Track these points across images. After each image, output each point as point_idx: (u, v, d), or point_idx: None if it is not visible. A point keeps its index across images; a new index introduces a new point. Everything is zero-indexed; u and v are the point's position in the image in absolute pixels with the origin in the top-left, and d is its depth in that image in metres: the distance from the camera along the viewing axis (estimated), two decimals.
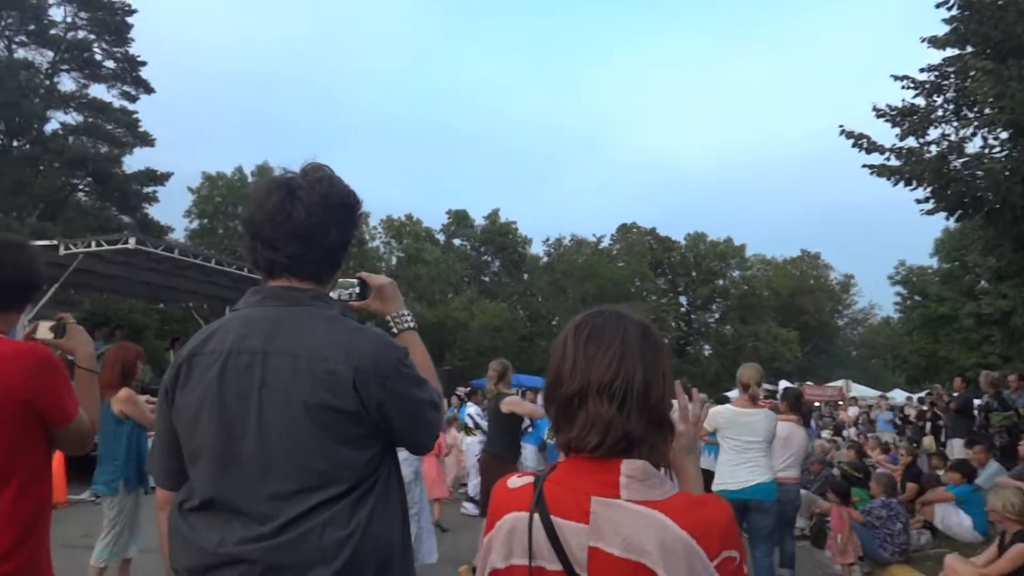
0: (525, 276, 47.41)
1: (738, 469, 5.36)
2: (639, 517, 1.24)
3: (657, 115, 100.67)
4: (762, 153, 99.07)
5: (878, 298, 67.47)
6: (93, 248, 11.02)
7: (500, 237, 46.79)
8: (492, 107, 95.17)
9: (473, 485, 9.68)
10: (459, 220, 47.17)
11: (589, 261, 46.18)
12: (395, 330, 1.93)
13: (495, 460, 6.46)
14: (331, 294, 1.82)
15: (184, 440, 1.64)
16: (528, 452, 9.63)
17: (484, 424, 9.06)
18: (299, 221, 1.64)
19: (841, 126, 9.33)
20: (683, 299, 52.03)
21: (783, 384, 31.73)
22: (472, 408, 11.16)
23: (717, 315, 51.89)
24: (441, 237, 47.03)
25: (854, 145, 9.17)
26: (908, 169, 8.78)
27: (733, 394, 10.39)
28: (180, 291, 16.43)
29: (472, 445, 10.19)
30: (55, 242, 11.39)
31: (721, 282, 50.81)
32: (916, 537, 7.40)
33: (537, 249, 49.30)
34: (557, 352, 1.41)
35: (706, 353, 50.02)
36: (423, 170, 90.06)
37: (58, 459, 9.68)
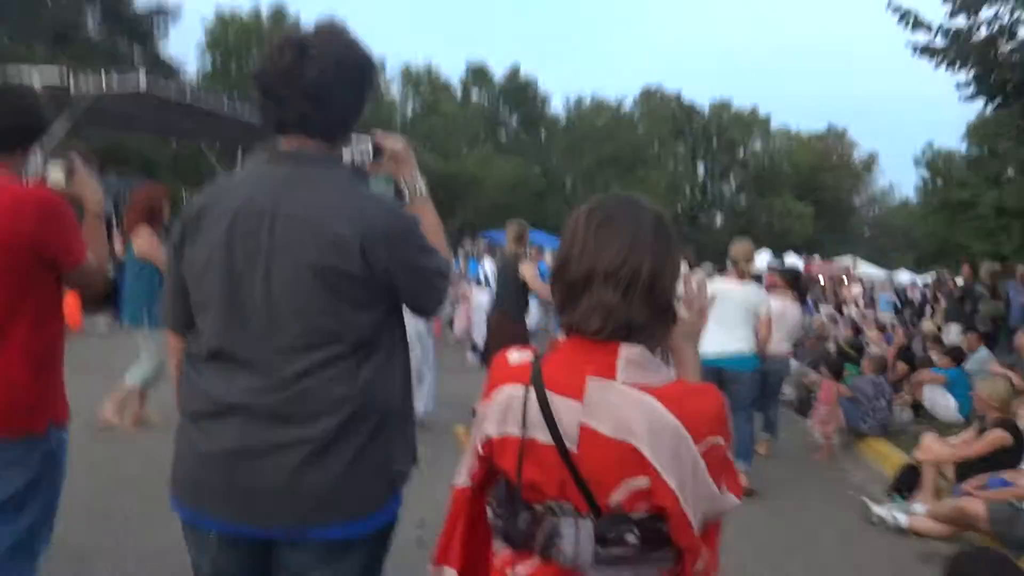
0: (542, 135, 46.48)
1: (716, 336, 5.43)
2: (632, 400, 1.28)
3: None
4: (800, 23, 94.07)
5: (899, 180, 66.19)
6: (104, 90, 10.85)
7: (519, 93, 45.46)
8: None
9: (479, 335, 9.95)
10: (478, 74, 45.65)
11: (609, 124, 45.06)
12: (407, 195, 1.93)
13: (504, 317, 6.67)
14: (344, 153, 1.82)
15: (192, 291, 1.69)
16: (532, 306, 9.86)
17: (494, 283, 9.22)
18: (310, 80, 1.61)
19: (889, 1, 8.79)
20: (701, 167, 51.17)
21: (790, 258, 31.91)
22: (488, 264, 11.36)
23: (734, 186, 51.20)
24: (459, 90, 45.72)
25: (900, 20, 8.66)
26: (954, 50, 8.34)
27: None
28: (192, 132, 16.30)
29: (484, 298, 10.37)
30: (65, 84, 11.15)
31: (742, 153, 49.72)
32: (898, 413, 7.68)
33: (557, 108, 48.11)
34: (567, 235, 1.42)
35: (718, 223, 49.81)
36: (445, 17, 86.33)
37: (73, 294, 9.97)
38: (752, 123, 49.29)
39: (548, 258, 17.55)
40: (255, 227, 1.61)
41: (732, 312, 5.49)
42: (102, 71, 11.16)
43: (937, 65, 8.65)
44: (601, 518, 1.31)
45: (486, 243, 16.28)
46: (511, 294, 6.60)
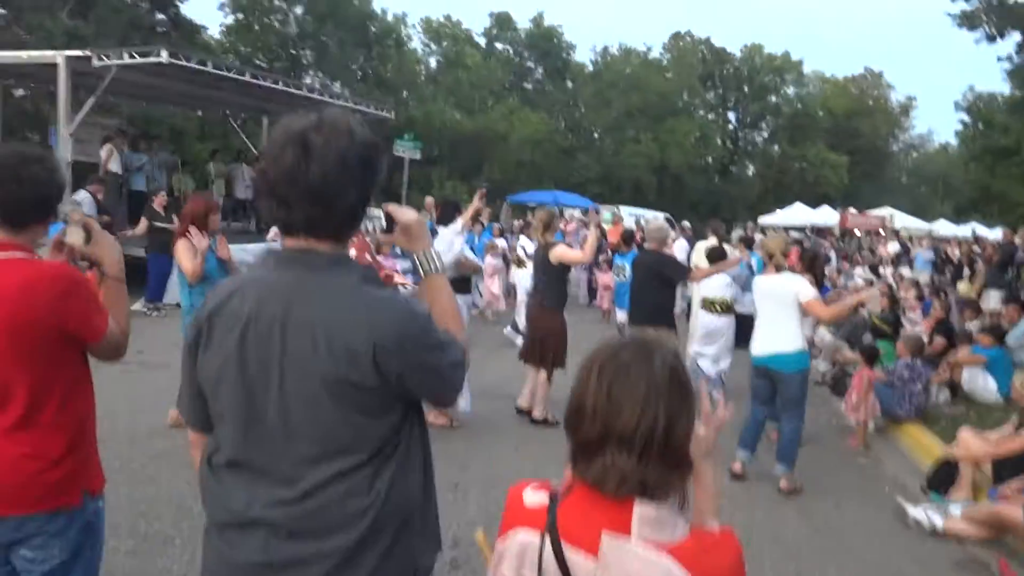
0: (569, 85, 45.61)
1: (763, 336, 5.53)
2: (647, 561, 1.28)
3: None
4: None
5: (938, 125, 63.90)
6: (126, 61, 10.82)
7: (544, 42, 44.51)
8: None
9: (520, 320, 9.84)
10: (502, 23, 44.71)
11: (637, 72, 44.01)
12: (421, 271, 1.87)
13: (544, 311, 6.65)
14: None
15: (209, 399, 1.68)
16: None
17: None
18: (314, 181, 1.55)
19: None
20: (732, 115, 50.00)
21: (824, 209, 31.23)
22: (524, 240, 11.35)
23: (766, 134, 50.03)
24: (482, 41, 44.88)
25: None
26: (995, 20, 7.91)
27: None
28: (216, 101, 16.27)
29: (525, 278, 10.33)
30: (88, 53, 11.14)
31: (774, 99, 48.40)
32: (935, 394, 7.55)
33: (583, 57, 47.12)
34: (580, 386, 1.39)
35: (750, 173, 48.88)
36: None
37: None
38: (784, 67, 47.81)
39: (574, 222, 17.40)
40: (266, 336, 1.58)
41: (773, 310, 5.46)
42: (124, 53, 11.05)
43: (978, 40, 8.22)
44: None
45: (522, 222, 16.06)
46: (548, 284, 6.60)
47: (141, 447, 5.23)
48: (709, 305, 7.77)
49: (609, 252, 13.97)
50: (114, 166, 12.54)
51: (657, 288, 6.88)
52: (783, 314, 5.40)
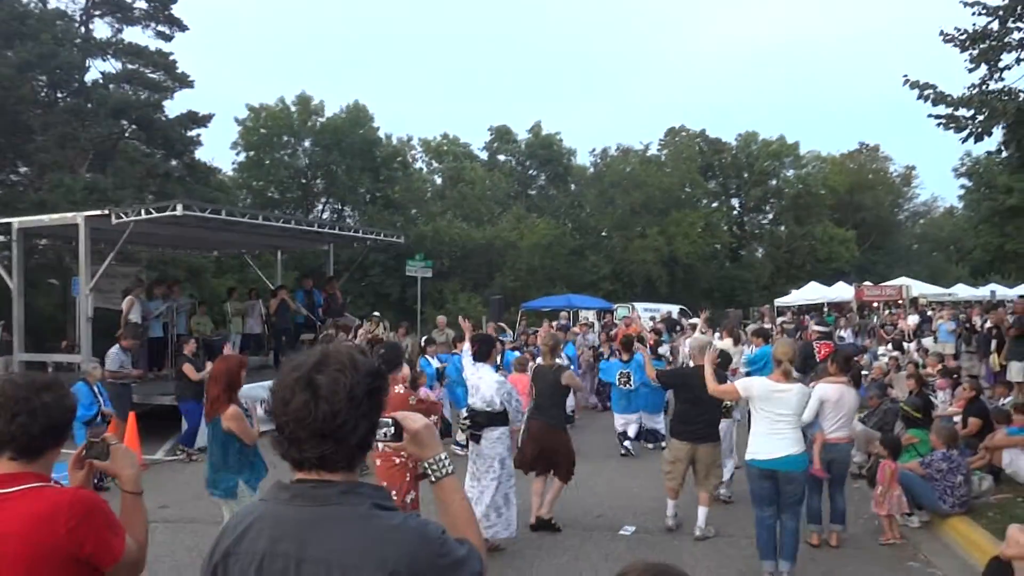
0: (572, 187, 46.66)
1: (767, 440, 5.59)
2: None
3: (700, 11, 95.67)
4: (816, 42, 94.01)
5: (941, 190, 64.45)
6: (143, 217, 11.26)
7: (544, 150, 45.85)
8: (528, 15, 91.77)
9: None
10: (502, 136, 46.27)
11: (637, 170, 45.01)
12: (432, 478, 1.88)
13: (547, 428, 6.84)
14: None
15: None
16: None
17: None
18: (325, 421, 1.59)
19: (905, 76, 8.69)
20: (735, 201, 50.72)
21: (839, 285, 31.17)
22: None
23: (771, 216, 50.57)
24: (484, 155, 46.33)
25: (920, 96, 8.51)
26: (982, 120, 8.12)
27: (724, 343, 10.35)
28: (231, 242, 16.81)
29: None
30: (107, 212, 11.61)
31: (774, 182, 49.16)
32: (978, 483, 7.29)
33: (583, 160, 48.40)
34: None
35: (759, 255, 49.13)
36: (460, 89, 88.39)
37: (131, 421, 10.09)
38: (782, 151, 48.79)
39: (594, 330, 17.41)
40: (281, 573, 1.59)
41: (780, 414, 5.54)
42: (141, 209, 11.53)
43: (964, 139, 8.46)
44: None
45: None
46: (554, 405, 6.89)
47: None
48: None
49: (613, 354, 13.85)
50: (134, 317, 12.80)
51: (714, 404, 6.63)
52: (790, 420, 5.55)
